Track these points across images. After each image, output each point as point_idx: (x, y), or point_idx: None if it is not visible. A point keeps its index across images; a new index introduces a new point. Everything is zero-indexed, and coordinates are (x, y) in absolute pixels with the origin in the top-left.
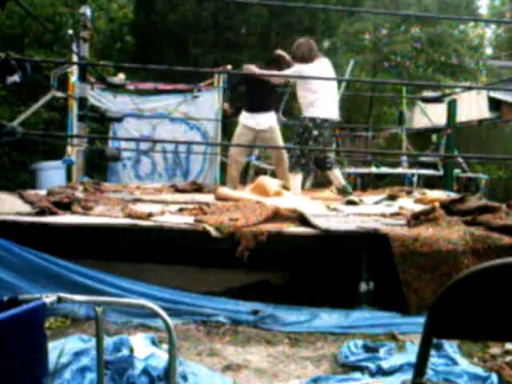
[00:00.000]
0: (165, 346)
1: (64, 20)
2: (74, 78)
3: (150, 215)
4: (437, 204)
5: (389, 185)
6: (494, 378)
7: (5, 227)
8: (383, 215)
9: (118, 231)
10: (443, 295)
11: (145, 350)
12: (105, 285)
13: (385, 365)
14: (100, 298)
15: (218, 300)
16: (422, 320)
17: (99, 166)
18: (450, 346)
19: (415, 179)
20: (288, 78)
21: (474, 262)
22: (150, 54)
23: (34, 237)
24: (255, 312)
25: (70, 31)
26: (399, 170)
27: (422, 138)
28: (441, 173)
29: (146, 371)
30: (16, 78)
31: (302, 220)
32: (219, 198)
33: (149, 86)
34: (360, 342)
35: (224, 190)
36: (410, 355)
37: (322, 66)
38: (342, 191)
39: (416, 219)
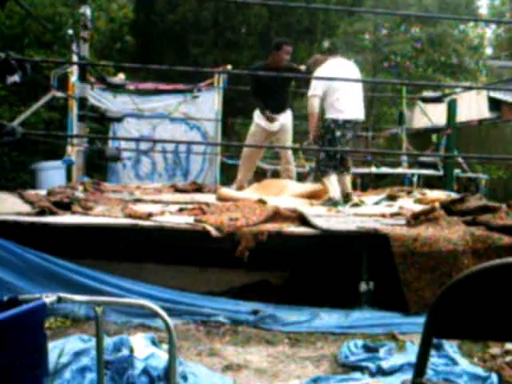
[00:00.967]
0: (165, 346)
1: (64, 20)
2: (74, 77)
3: (150, 215)
4: (437, 204)
5: (389, 185)
6: (494, 378)
7: (5, 227)
8: (383, 215)
9: (118, 231)
10: (443, 295)
11: (145, 350)
12: (105, 285)
13: (385, 365)
14: (100, 298)
15: (217, 300)
16: (421, 320)
17: (99, 166)
18: (450, 346)
19: (415, 179)
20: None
21: (474, 262)
22: (150, 54)
23: (34, 237)
24: (255, 312)
25: (70, 31)
26: (399, 170)
27: (421, 137)
28: (441, 173)
29: (145, 371)
30: (16, 78)
31: (302, 220)
32: (221, 199)
33: (149, 86)
34: (360, 342)
35: (226, 191)
36: (410, 355)
37: (338, 65)
38: (331, 203)
39: (416, 219)
